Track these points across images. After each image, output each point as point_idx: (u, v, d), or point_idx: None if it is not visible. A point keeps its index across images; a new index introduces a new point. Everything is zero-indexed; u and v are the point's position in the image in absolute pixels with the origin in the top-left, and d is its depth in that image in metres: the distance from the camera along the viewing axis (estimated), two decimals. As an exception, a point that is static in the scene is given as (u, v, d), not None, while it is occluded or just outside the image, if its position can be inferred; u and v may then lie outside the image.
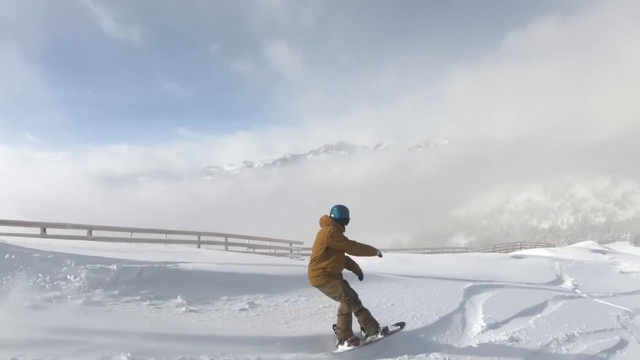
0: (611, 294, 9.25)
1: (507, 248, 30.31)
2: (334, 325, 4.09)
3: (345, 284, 3.99)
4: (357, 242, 4.01)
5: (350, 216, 4.11)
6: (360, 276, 4.35)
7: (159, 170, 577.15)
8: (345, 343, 3.83)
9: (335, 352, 3.86)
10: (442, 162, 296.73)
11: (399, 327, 4.27)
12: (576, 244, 34.53)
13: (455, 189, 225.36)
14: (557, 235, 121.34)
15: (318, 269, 3.94)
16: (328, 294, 4.01)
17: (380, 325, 4.07)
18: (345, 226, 4.10)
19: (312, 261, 4.04)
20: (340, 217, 4.05)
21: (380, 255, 4.17)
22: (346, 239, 3.95)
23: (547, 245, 39.40)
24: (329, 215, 4.09)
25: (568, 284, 10.19)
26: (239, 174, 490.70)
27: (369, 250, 4.03)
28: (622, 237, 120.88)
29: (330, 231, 3.90)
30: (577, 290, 9.33)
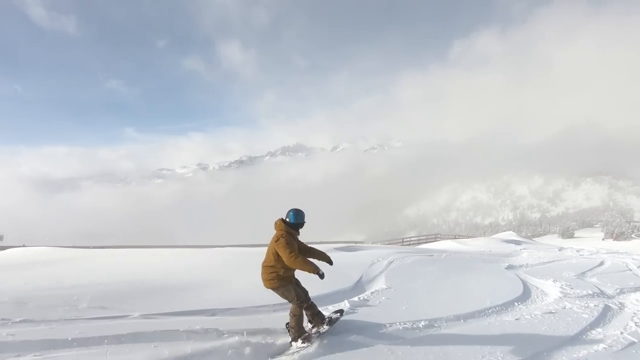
0: (418, 326, 4.30)
1: (419, 240, 27.21)
2: (287, 324, 4.16)
3: (297, 286, 4.07)
4: (299, 256, 3.74)
5: (306, 220, 4.09)
6: (330, 262, 4.22)
7: (104, 173, 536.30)
8: (300, 341, 3.91)
9: (290, 351, 3.88)
10: (396, 164, 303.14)
11: (338, 314, 4.36)
12: (494, 235, 31.88)
13: (408, 189, 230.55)
14: (496, 231, 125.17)
15: (272, 272, 3.94)
16: (281, 295, 4.00)
17: (325, 317, 4.20)
18: (300, 230, 4.08)
19: (265, 265, 4.00)
20: (294, 222, 4.02)
21: (322, 276, 3.72)
22: (289, 249, 3.73)
23: (468, 236, 36.54)
24: (284, 218, 4.05)
25: (346, 303, 5.09)
26: (192, 177, 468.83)
27: (308, 267, 3.70)
28: (553, 230, 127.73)
29: (277, 237, 3.90)
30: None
